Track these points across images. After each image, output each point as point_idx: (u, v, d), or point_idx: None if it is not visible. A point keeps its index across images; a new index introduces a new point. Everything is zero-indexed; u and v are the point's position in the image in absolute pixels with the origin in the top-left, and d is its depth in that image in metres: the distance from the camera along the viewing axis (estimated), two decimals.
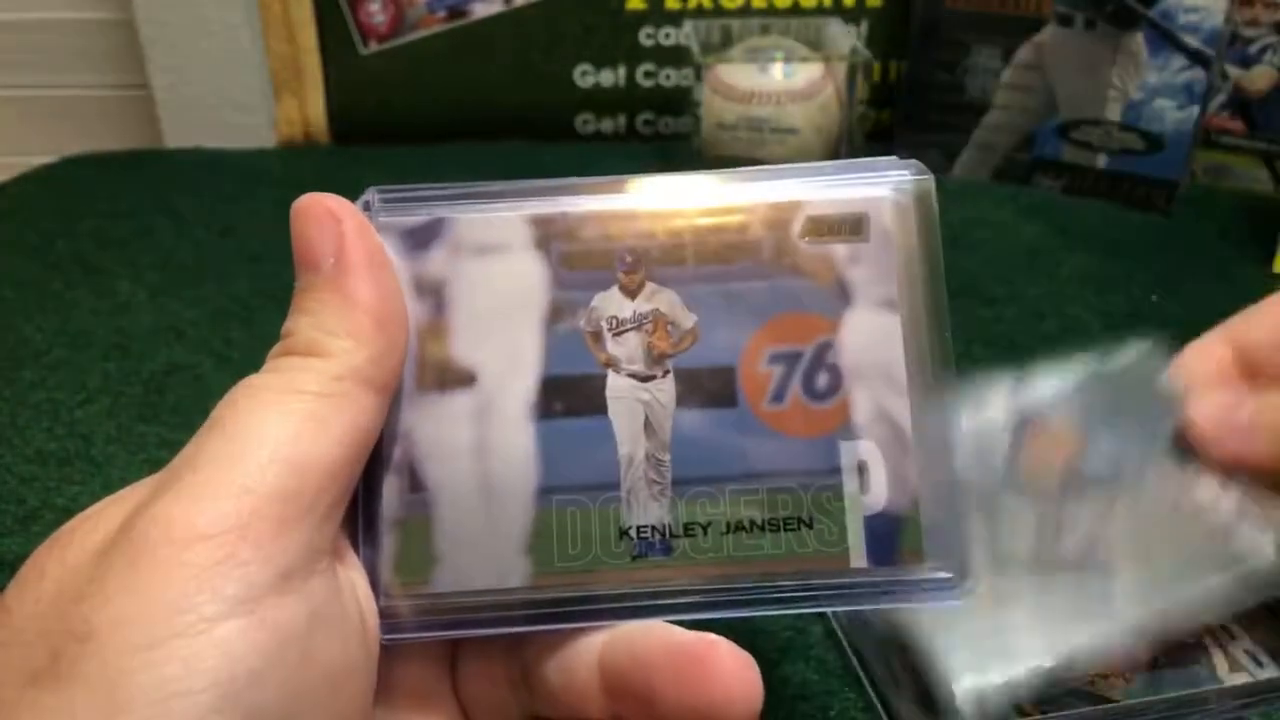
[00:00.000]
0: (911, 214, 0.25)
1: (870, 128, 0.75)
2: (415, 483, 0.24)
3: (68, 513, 0.41)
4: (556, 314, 0.25)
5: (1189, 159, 0.64)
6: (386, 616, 0.23)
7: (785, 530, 0.24)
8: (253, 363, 0.23)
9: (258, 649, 0.19)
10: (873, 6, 0.74)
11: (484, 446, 0.24)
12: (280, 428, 0.21)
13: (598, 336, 0.25)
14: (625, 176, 0.26)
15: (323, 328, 0.22)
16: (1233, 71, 0.66)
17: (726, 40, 0.70)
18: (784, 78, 0.66)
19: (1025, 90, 0.67)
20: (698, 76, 0.67)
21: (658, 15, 0.74)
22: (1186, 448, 0.30)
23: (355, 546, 0.24)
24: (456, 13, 0.74)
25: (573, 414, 0.25)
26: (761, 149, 0.67)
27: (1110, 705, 0.31)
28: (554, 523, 0.24)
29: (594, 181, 0.25)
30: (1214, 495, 0.31)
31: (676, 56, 0.75)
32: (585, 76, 0.76)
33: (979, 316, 0.54)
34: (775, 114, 0.66)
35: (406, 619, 0.24)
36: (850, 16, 0.74)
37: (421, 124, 0.75)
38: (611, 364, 0.25)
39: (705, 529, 0.24)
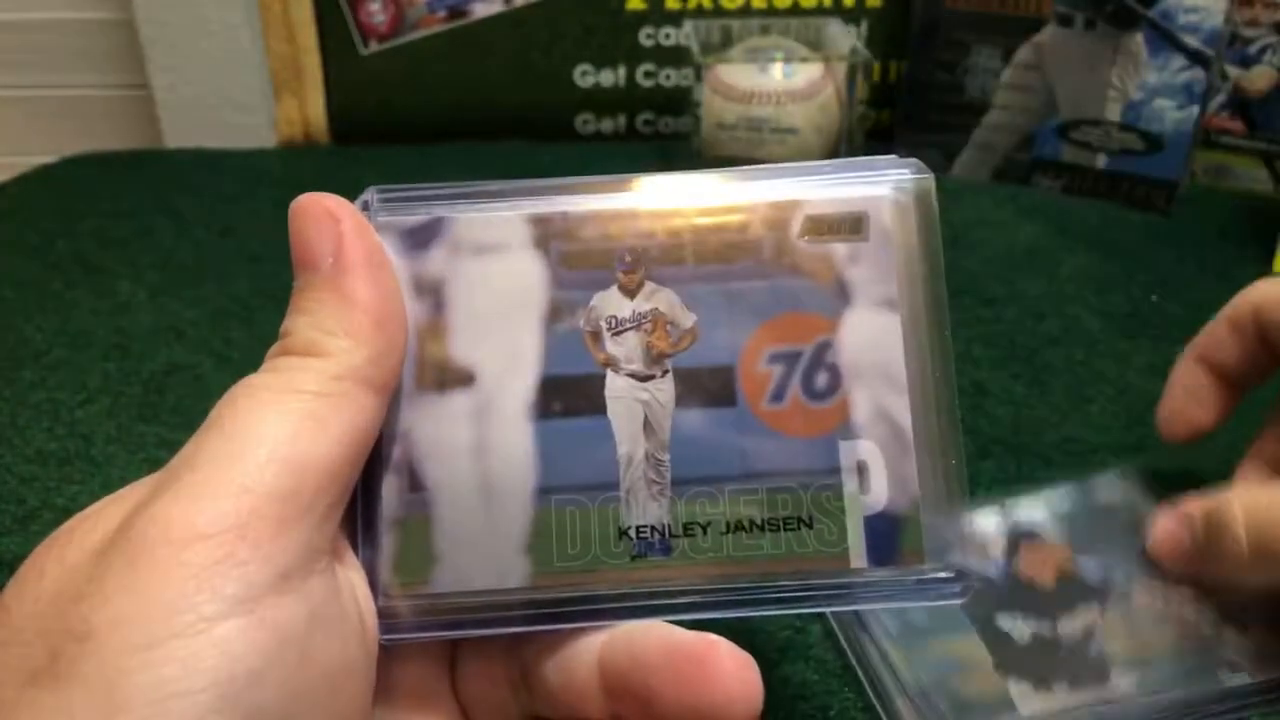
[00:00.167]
0: (911, 213, 0.25)
1: (870, 128, 0.75)
2: (414, 482, 0.24)
3: (67, 512, 0.41)
4: (555, 314, 0.25)
5: (1189, 159, 0.64)
6: (385, 616, 0.23)
7: (785, 530, 0.24)
8: (253, 363, 0.23)
9: (257, 649, 0.19)
10: (873, 6, 0.74)
11: (483, 446, 0.24)
12: (279, 427, 0.21)
13: (597, 336, 0.25)
14: (625, 176, 0.26)
15: (321, 327, 0.22)
16: (1232, 71, 0.66)
17: (726, 40, 0.70)
18: (784, 78, 0.66)
19: (1025, 90, 0.67)
20: (698, 76, 0.67)
21: (658, 15, 0.74)
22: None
23: (354, 546, 0.24)
24: (456, 13, 0.74)
25: (572, 414, 0.25)
26: (761, 149, 0.67)
27: (1111, 705, 0.31)
28: (553, 522, 0.24)
29: (593, 181, 0.25)
30: (1195, 611, 0.33)
31: (676, 56, 0.75)
32: (585, 76, 0.76)
33: (979, 316, 0.54)
34: (775, 114, 0.66)
35: (405, 619, 0.24)
36: (850, 16, 0.74)
37: (421, 124, 0.75)
38: (610, 364, 0.25)
39: (705, 529, 0.24)
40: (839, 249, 0.25)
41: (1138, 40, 0.63)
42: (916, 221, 0.25)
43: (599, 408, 0.25)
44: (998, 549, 0.36)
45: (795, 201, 0.25)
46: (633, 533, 0.24)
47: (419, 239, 0.25)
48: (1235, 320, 0.34)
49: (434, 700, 0.25)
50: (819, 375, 0.25)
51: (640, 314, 0.25)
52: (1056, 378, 0.49)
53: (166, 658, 0.18)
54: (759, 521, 0.24)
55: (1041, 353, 0.51)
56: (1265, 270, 0.59)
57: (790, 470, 0.24)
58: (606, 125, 0.77)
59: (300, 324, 0.23)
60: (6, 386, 0.49)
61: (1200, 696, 0.31)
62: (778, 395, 0.25)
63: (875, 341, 0.25)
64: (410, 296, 0.25)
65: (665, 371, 0.25)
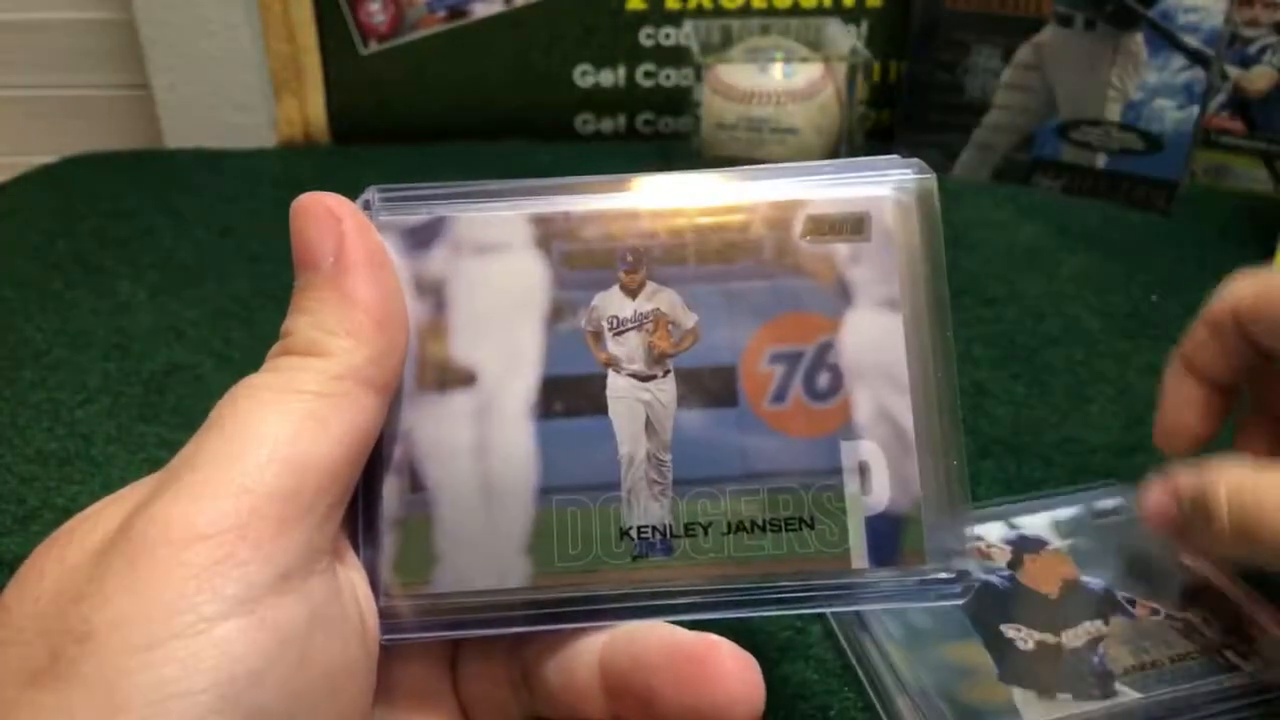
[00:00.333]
0: (913, 213, 0.25)
1: (870, 128, 0.75)
2: (415, 482, 0.24)
3: (67, 512, 0.41)
4: (557, 313, 0.25)
5: (1189, 159, 0.64)
6: (386, 616, 0.23)
7: (786, 530, 0.24)
8: (253, 363, 0.22)
9: (257, 649, 0.19)
10: (873, 6, 0.74)
11: (484, 446, 0.24)
12: (280, 427, 0.21)
13: (598, 336, 0.25)
14: (626, 176, 0.25)
15: (322, 327, 0.22)
16: (1232, 71, 0.66)
17: (726, 40, 0.70)
18: (784, 78, 0.66)
19: (1025, 90, 0.67)
20: (698, 76, 0.67)
21: (658, 15, 0.74)
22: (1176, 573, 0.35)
23: (355, 546, 0.24)
24: (456, 13, 0.74)
25: (573, 414, 0.24)
26: (761, 149, 0.67)
27: (1111, 704, 0.31)
28: (554, 523, 0.24)
29: (595, 181, 0.25)
30: (1202, 616, 0.34)
31: (676, 56, 0.75)
32: (585, 76, 0.76)
33: (979, 316, 0.54)
34: (775, 114, 0.66)
35: (406, 619, 0.24)
36: (850, 16, 0.74)
37: (421, 124, 0.75)
38: (612, 364, 0.25)
39: (706, 529, 0.24)
40: (841, 249, 0.25)
41: (1138, 40, 0.63)
42: (919, 222, 0.25)
43: (600, 408, 0.25)
44: (1002, 559, 0.36)
45: (797, 201, 0.25)
46: (634, 533, 0.24)
47: (420, 238, 0.25)
48: (1215, 324, 0.34)
49: (435, 700, 0.25)
50: (821, 375, 0.24)
51: (642, 314, 0.25)
52: (1056, 378, 0.49)
53: (167, 658, 0.18)
54: (760, 522, 0.24)
55: (1041, 353, 0.51)
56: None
57: (792, 470, 0.24)
58: (606, 125, 0.77)
59: (301, 324, 0.23)
60: (6, 386, 0.49)
61: (1202, 701, 0.31)
62: (779, 395, 0.24)
63: (877, 342, 0.24)
64: (411, 296, 0.24)
65: (667, 372, 0.25)
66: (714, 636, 0.22)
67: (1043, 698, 0.31)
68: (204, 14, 0.72)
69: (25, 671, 0.18)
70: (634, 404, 0.25)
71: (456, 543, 0.24)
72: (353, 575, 0.23)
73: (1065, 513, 0.38)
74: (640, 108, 0.77)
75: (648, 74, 0.76)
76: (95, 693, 0.18)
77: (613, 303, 0.25)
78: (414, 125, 0.75)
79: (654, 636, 0.23)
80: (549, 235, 0.25)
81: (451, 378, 0.25)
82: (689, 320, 0.25)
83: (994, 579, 0.35)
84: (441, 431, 0.24)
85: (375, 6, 0.73)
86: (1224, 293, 0.34)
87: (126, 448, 0.45)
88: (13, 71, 0.80)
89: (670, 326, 0.25)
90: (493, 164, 0.72)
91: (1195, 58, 0.62)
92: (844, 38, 0.69)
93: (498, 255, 0.25)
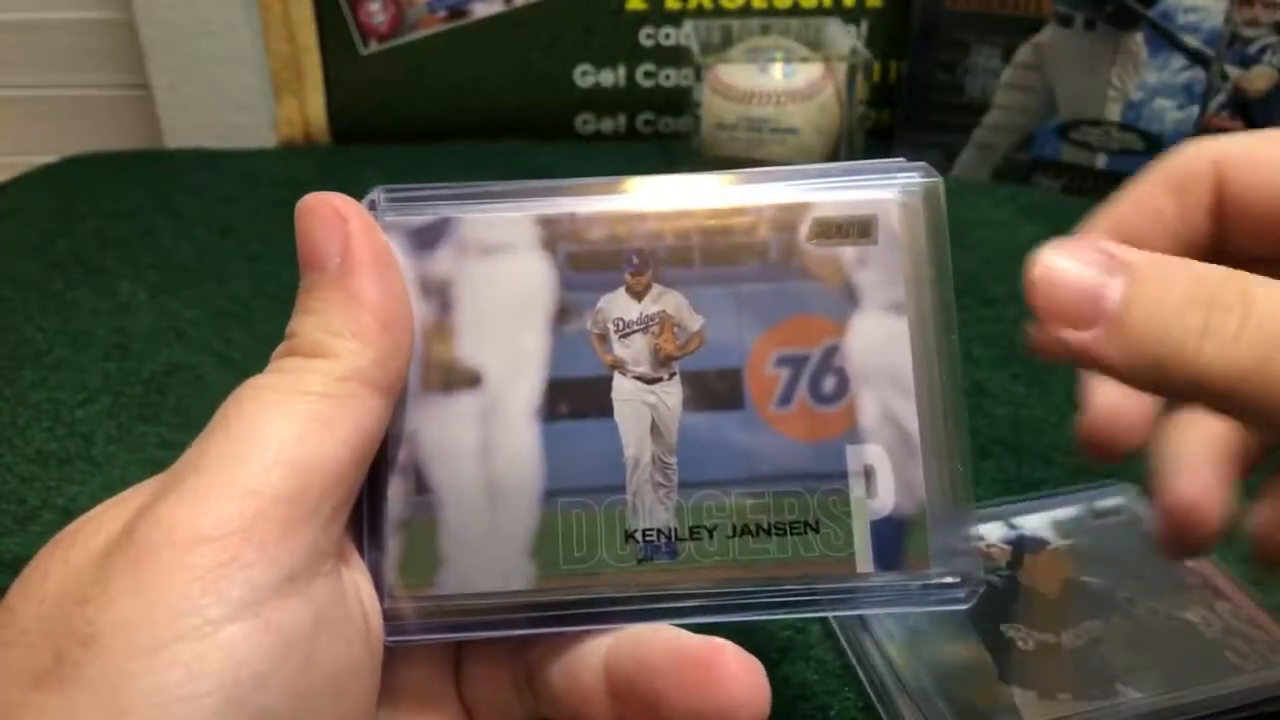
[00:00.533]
0: (919, 216, 0.25)
1: (870, 128, 0.75)
2: (420, 484, 0.24)
3: (67, 513, 0.41)
4: (563, 315, 0.25)
5: None
6: (390, 618, 0.23)
7: (791, 534, 0.24)
8: (253, 362, 0.22)
9: (262, 652, 0.19)
10: (873, 6, 0.74)
11: (489, 448, 0.24)
12: (285, 429, 0.21)
13: (604, 338, 0.25)
14: (632, 177, 0.25)
15: (328, 328, 0.22)
16: (1232, 71, 0.66)
17: (726, 40, 0.70)
18: (784, 78, 0.66)
19: (1025, 90, 0.67)
20: (698, 76, 0.67)
21: (658, 15, 0.74)
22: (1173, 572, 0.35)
23: (360, 548, 0.24)
24: (456, 13, 0.74)
25: (578, 416, 0.24)
26: (761, 149, 0.67)
27: (1111, 704, 0.31)
28: (559, 525, 0.24)
29: (601, 182, 0.25)
30: (1202, 615, 0.34)
31: (676, 56, 0.75)
32: (585, 76, 0.76)
33: (979, 316, 0.54)
34: (775, 114, 0.66)
35: (411, 621, 0.24)
36: (850, 16, 0.74)
37: (421, 124, 0.75)
38: (618, 366, 0.25)
39: (711, 532, 0.24)
40: (847, 252, 0.25)
41: (1138, 40, 0.63)
42: (925, 225, 0.25)
43: (606, 410, 0.24)
44: (1003, 559, 0.36)
45: (804, 204, 0.25)
46: (639, 536, 0.24)
47: (426, 239, 0.25)
48: (1180, 182, 0.25)
49: (438, 702, 0.25)
50: (826, 379, 0.24)
51: (648, 316, 0.25)
52: (1056, 378, 0.49)
53: (171, 661, 0.18)
54: (765, 525, 0.24)
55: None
56: None
57: (797, 474, 0.24)
58: (606, 125, 0.77)
59: (307, 325, 0.22)
60: (6, 386, 0.49)
61: (1202, 701, 0.31)
62: (785, 398, 0.24)
63: (883, 345, 0.24)
64: (417, 297, 0.24)
65: (672, 374, 0.25)
66: (719, 640, 0.22)
67: (1043, 698, 0.31)
68: (204, 14, 0.72)
69: (29, 674, 0.18)
70: (639, 406, 0.24)
71: (461, 544, 0.24)
72: (357, 577, 0.23)
73: (1065, 513, 0.38)
74: (640, 108, 0.77)
75: (648, 74, 0.76)
76: (99, 695, 0.18)
77: (619, 305, 0.25)
78: (414, 125, 0.75)
79: (659, 639, 0.23)
80: (555, 236, 0.25)
81: (456, 379, 0.24)
82: (695, 323, 0.25)
83: (994, 579, 0.36)
84: (446, 433, 0.24)
85: (375, 6, 0.73)
86: (1200, 147, 0.25)
87: (127, 448, 0.45)
88: (13, 71, 0.80)
89: (676, 329, 0.25)
90: (493, 164, 0.72)
91: (1195, 58, 0.62)
92: (844, 38, 0.69)
93: (503, 256, 0.25)
